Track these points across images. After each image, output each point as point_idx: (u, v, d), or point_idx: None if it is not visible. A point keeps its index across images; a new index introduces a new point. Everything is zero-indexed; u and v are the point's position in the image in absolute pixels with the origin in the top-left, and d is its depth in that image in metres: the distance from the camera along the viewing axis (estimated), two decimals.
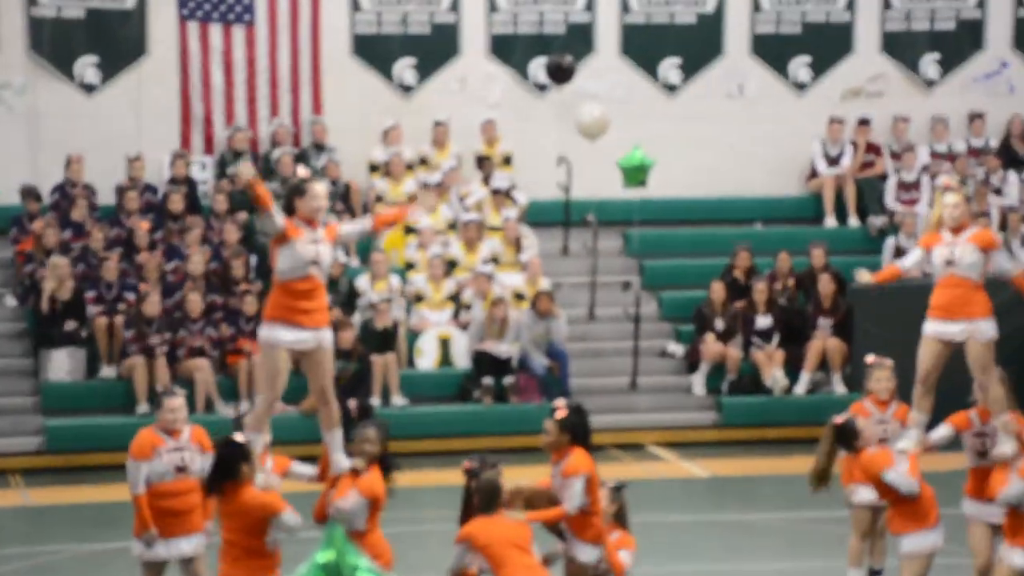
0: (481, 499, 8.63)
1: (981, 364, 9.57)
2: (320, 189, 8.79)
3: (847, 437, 9.40)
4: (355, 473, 8.72)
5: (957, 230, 9.67)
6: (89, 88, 18.36)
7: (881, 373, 10.15)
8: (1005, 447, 9.56)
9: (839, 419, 9.49)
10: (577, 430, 8.83)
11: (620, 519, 9.11)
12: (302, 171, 9.12)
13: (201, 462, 9.36)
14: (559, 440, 8.80)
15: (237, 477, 8.39)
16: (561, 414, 8.84)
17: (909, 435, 9.70)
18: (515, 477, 9.05)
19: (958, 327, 9.60)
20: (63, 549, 12.92)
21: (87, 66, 18.32)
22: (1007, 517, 9.62)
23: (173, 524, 9.57)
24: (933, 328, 9.69)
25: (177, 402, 9.49)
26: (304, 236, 8.69)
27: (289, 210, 8.80)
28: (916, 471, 9.51)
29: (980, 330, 9.58)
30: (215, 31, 18.50)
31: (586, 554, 8.81)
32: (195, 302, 16.45)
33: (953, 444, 9.98)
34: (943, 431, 9.83)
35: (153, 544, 9.63)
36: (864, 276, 10.27)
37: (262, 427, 8.82)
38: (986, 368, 9.56)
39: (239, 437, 8.57)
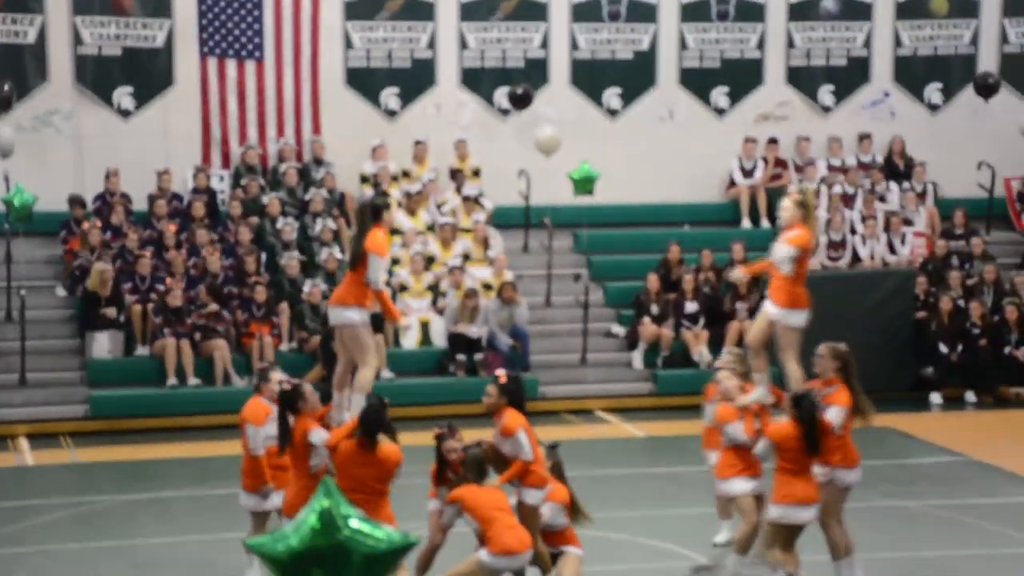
0: (470, 471, 8.61)
1: (782, 344, 9.41)
2: (395, 204, 8.98)
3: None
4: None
5: (787, 230, 9.49)
6: (125, 113, 18.22)
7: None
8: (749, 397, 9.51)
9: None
10: (513, 394, 8.78)
11: (556, 473, 9.02)
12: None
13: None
14: (498, 402, 8.75)
15: (379, 431, 8.34)
16: (502, 380, 8.79)
17: (757, 391, 9.56)
18: (477, 436, 9.04)
19: (774, 310, 9.46)
20: (103, 499, 12.83)
21: (123, 95, 18.17)
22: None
23: (277, 479, 9.42)
24: (764, 306, 9.57)
25: (280, 376, 9.32)
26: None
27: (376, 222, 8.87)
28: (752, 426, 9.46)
29: (785, 316, 9.37)
30: (230, 65, 18.39)
31: (532, 497, 8.77)
32: (205, 294, 16.33)
33: None
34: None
35: (268, 496, 9.48)
36: (737, 273, 10.15)
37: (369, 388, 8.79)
38: (784, 349, 9.39)
39: (379, 400, 8.49)
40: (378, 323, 16.33)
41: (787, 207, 9.47)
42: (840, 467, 9.34)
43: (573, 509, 9.09)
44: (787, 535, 9.14)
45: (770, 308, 9.45)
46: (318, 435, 8.60)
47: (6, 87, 17.07)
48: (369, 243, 8.76)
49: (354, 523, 5.01)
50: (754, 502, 9.69)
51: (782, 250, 9.39)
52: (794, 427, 9.00)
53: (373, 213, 8.89)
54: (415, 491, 9.66)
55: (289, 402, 8.75)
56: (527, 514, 8.77)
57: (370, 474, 8.32)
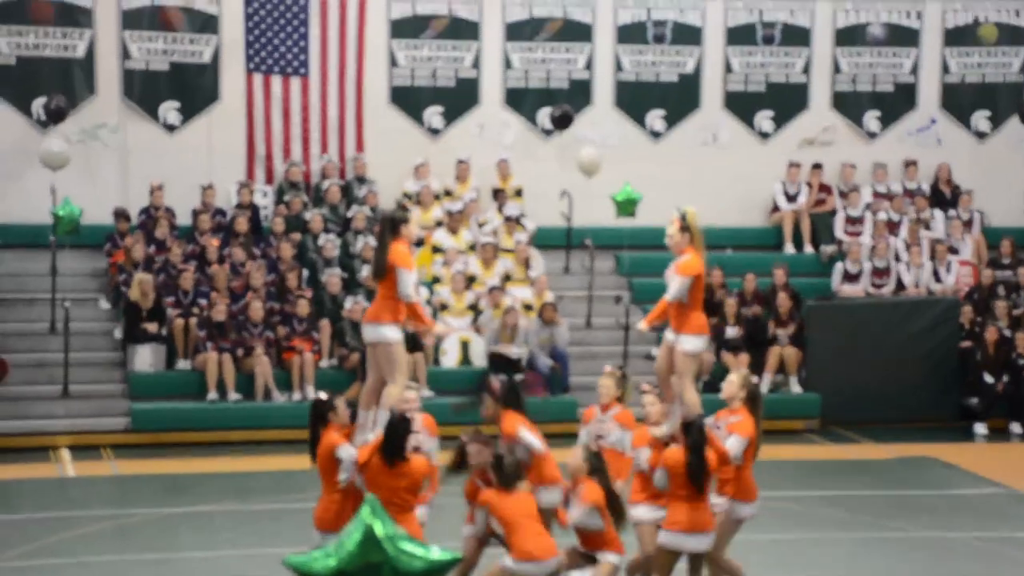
0: (503, 478, 8.64)
1: (678, 370, 9.18)
2: (415, 219, 9.05)
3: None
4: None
5: (677, 258, 9.27)
6: (171, 128, 18.39)
7: (604, 380, 9.68)
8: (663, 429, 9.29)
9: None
10: (509, 399, 8.91)
11: (596, 473, 8.95)
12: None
13: (430, 444, 9.15)
14: (496, 410, 8.90)
15: (405, 445, 8.43)
16: (495, 388, 8.97)
17: (669, 423, 9.25)
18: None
19: (672, 336, 9.25)
20: (142, 512, 12.92)
21: (169, 110, 18.33)
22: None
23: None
24: (665, 334, 9.39)
25: (412, 395, 9.26)
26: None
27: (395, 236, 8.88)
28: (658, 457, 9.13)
29: (681, 342, 9.15)
30: (276, 82, 18.53)
31: (547, 496, 8.79)
32: (257, 308, 16.45)
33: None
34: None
35: None
36: (641, 325, 9.69)
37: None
38: (681, 375, 9.17)
39: (401, 415, 8.56)
40: (415, 343, 16.42)
41: (671, 235, 9.22)
42: (736, 500, 9.21)
43: (614, 511, 8.95)
44: (669, 561, 8.92)
45: (667, 334, 9.30)
46: (346, 451, 8.65)
47: (58, 100, 17.29)
48: (394, 257, 8.76)
49: (398, 541, 5.06)
50: (654, 531, 9.30)
51: (675, 283, 9.12)
52: (685, 454, 8.85)
53: (392, 227, 8.89)
54: (449, 511, 9.70)
55: (320, 414, 8.82)
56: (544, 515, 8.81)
57: (399, 486, 8.40)
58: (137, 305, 16.33)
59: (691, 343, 9.10)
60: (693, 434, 8.79)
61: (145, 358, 16.32)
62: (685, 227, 9.17)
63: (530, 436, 8.82)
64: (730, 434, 9.11)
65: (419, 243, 18.22)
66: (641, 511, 9.27)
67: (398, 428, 8.47)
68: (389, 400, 8.79)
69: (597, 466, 8.98)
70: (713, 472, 8.94)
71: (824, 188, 19.52)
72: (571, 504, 8.90)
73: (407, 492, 8.46)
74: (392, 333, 8.81)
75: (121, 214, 17.59)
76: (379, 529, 5.05)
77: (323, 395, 9.09)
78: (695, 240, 9.19)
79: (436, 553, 5.08)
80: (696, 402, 9.09)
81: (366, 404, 8.99)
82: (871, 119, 20.01)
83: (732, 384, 9.25)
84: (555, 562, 8.69)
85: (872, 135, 20.06)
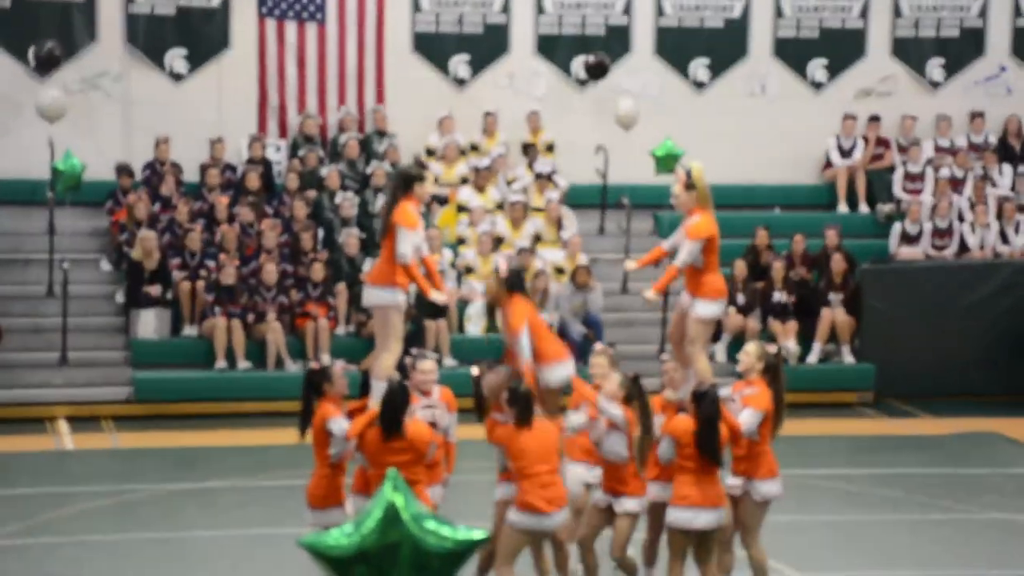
0: (518, 411, 8.61)
1: (690, 335, 9.12)
2: (430, 177, 8.99)
3: None
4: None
5: (686, 219, 9.18)
6: (177, 77, 18.34)
7: (596, 359, 9.53)
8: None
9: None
10: (516, 287, 8.96)
11: (636, 400, 9.02)
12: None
13: (448, 420, 9.07)
14: (500, 292, 8.96)
15: (403, 416, 8.44)
16: (503, 271, 8.99)
17: (683, 390, 9.18)
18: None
19: (687, 299, 9.21)
20: (145, 488, 12.95)
21: (176, 57, 18.29)
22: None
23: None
24: (680, 297, 9.35)
25: (429, 365, 9.15)
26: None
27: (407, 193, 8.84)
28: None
29: (695, 307, 9.10)
30: (290, 28, 18.45)
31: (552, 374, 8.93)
32: (270, 271, 16.41)
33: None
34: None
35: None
36: (630, 263, 9.71)
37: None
38: (692, 341, 9.11)
39: (400, 383, 8.53)
40: (437, 310, 16.35)
41: (676, 194, 9.17)
42: (754, 478, 9.11)
43: (642, 444, 8.90)
44: (681, 542, 8.84)
45: (682, 297, 9.28)
46: (337, 424, 8.62)
47: (50, 45, 17.22)
48: (398, 216, 8.70)
49: (421, 520, 5.00)
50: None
51: (685, 248, 9.09)
52: (695, 424, 8.78)
53: (404, 184, 8.81)
54: (476, 488, 9.64)
55: (314, 384, 8.79)
56: (546, 394, 8.90)
57: (400, 460, 8.36)
58: (140, 266, 16.33)
59: (706, 308, 9.06)
60: (705, 405, 8.72)
61: (149, 324, 16.32)
62: (691, 184, 9.11)
63: (526, 342, 8.82)
64: (744, 407, 9.03)
65: (443, 201, 18.16)
66: (653, 490, 9.18)
67: (396, 398, 8.43)
68: (382, 369, 8.73)
69: (634, 393, 9.00)
70: (723, 446, 8.87)
71: (882, 142, 19.33)
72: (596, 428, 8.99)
73: (413, 465, 8.41)
74: (390, 296, 8.74)
75: (124, 169, 17.57)
76: (402, 506, 4.99)
77: (315, 364, 9.10)
78: (702, 198, 9.11)
79: (463, 532, 5.02)
80: (708, 370, 9.07)
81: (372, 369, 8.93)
82: (934, 67, 19.76)
83: (748, 355, 9.20)
84: (560, 516, 8.70)
85: (935, 85, 19.82)
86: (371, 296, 8.86)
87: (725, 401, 8.95)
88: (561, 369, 9.01)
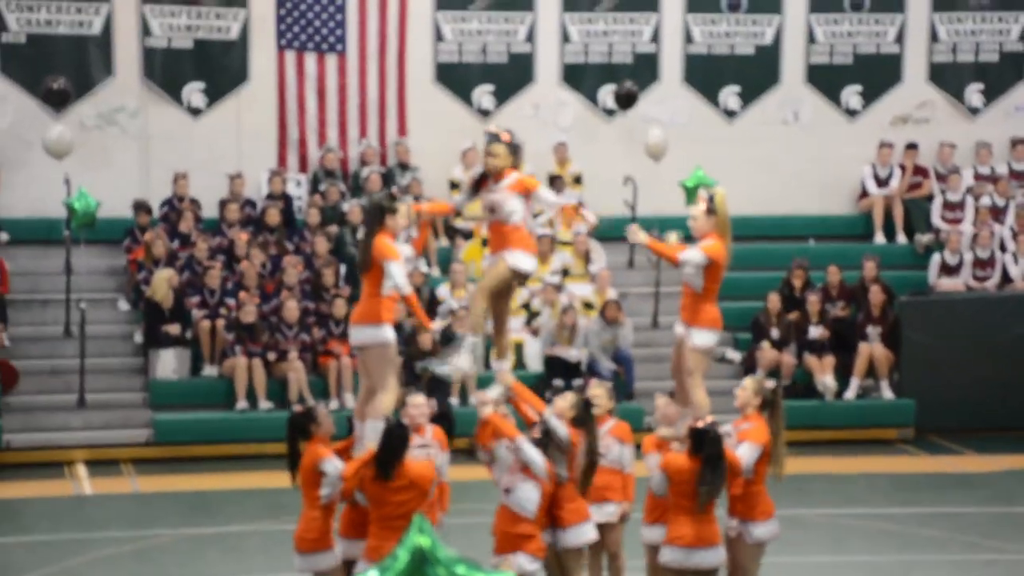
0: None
1: (688, 367, 9.11)
2: (403, 208, 9.02)
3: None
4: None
5: (700, 239, 9.21)
6: (195, 112, 18.50)
7: (595, 391, 9.60)
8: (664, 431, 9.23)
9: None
10: (517, 152, 9.02)
11: (578, 426, 8.96)
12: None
13: (441, 459, 9.09)
14: (507, 161, 8.95)
15: (403, 456, 8.43)
16: (506, 138, 9.02)
17: (679, 424, 9.17)
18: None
19: (681, 329, 9.22)
20: (165, 533, 12.99)
21: (194, 91, 18.44)
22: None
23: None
24: (676, 327, 9.35)
25: (422, 399, 9.22)
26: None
27: (380, 226, 8.91)
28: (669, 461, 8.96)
29: (691, 336, 9.10)
30: (310, 60, 18.59)
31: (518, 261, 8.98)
32: (291, 308, 16.51)
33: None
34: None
35: None
36: (639, 234, 9.37)
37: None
38: (690, 372, 9.09)
39: (398, 423, 8.56)
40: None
41: (695, 216, 9.17)
42: (747, 520, 9.05)
43: (585, 473, 8.88)
44: None
45: (677, 327, 9.28)
46: (331, 464, 8.66)
47: (60, 82, 17.39)
48: (378, 251, 8.76)
49: (450, 563, 5.04)
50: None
51: (695, 254, 9.08)
52: (691, 461, 8.72)
53: (378, 216, 8.88)
54: (473, 529, 9.63)
55: (300, 426, 8.83)
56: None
57: (404, 499, 8.41)
58: (158, 305, 16.44)
59: (701, 337, 9.08)
60: (708, 444, 8.67)
61: (168, 364, 16.44)
62: (712, 210, 9.11)
63: (520, 205, 8.90)
64: (741, 442, 9.01)
65: (468, 236, 18.24)
66: (655, 533, 9.14)
67: (395, 438, 8.43)
68: (380, 410, 8.75)
69: (583, 418, 8.93)
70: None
71: (919, 171, 19.34)
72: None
73: (415, 505, 8.42)
74: (382, 334, 8.78)
75: (141, 206, 17.70)
76: (430, 550, 5.04)
77: (299, 407, 9.11)
78: (721, 225, 9.13)
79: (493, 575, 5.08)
80: (706, 403, 9.03)
81: (360, 414, 8.95)
82: (973, 93, 19.77)
83: (745, 390, 9.17)
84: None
85: (974, 111, 19.82)
86: (360, 336, 8.87)
87: (723, 437, 8.89)
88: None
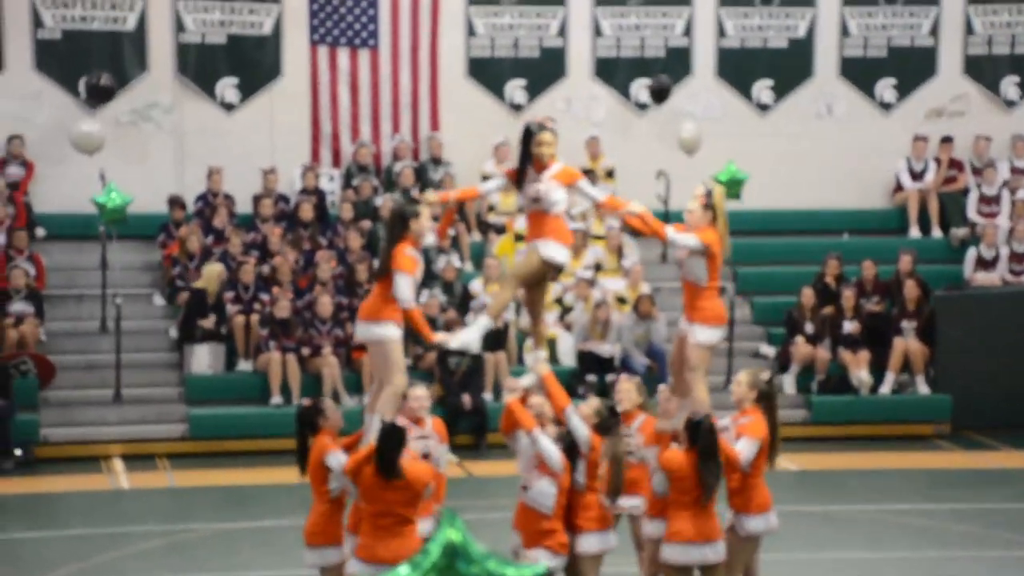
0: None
1: (689, 364, 8.99)
2: (425, 211, 8.91)
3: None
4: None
5: (698, 231, 9.07)
6: (229, 107, 18.55)
7: (623, 385, 9.40)
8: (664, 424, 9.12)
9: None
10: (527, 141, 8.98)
11: (603, 433, 8.83)
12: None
13: (439, 451, 9.08)
14: (556, 148, 8.95)
15: (399, 456, 8.37)
16: (552, 127, 9.04)
17: (675, 417, 9.09)
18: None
19: (684, 325, 9.10)
20: (201, 527, 13.03)
21: (227, 87, 18.50)
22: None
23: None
24: (680, 324, 9.24)
25: (422, 391, 9.19)
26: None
27: (403, 232, 8.88)
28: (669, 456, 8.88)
29: (693, 332, 8.98)
30: (343, 55, 18.62)
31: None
32: (325, 303, 16.55)
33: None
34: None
35: None
36: (636, 206, 9.14)
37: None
38: (692, 368, 8.97)
39: (393, 424, 8.52)
40: (496, 342, 16.41)
41: (692, 210, 9.08)
42: (742, 513, 8.97)
43: (613, 482, 8.73)
44: None
45: (680, 323, 9.19)
46: (335, 459, 8.67)
47: (104, 77, 17.49)
48: (395, 262, 8.76)
49: (483, 559, 5.04)
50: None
51: (691, 237, 8.98)
52: (689, 456, 8.68)
53: (400, 222, 8.86)
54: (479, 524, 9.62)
55: (308, 420, 8.85)
56: None
57: (396, 499, 8.39)
58: (203, 298, 16.39)
59: (704, 334, 8.98)
60: (702, 437, 8.64)
61: (203, 359, 16.48)
62: (709, 205, 9.05)
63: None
64: (740, 436, 8.95)
65: (500, 231, 18.24)
66: (656, 527, 9.05)
67: (390, 439, 8.38)
68: (384, 405, 8.76)
69: (607, 425, 8.78)
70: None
71: (955, 164, 19.24)
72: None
73: (408, 504, 8.42)
74: (388, 331, 8.78)
75: (176, 201, 17.78)
76: (461, 544, 5.04)
77: (307, 401, 9.12)
78: (718, 222, 9.08)
79: (527, 570, 5.07)
80: (706, 401, 8.95)
81: (372, 408, 8.94)
82: (1009, 86, 19.65)
83: (740, 385, 9.09)
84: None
85: (1010, 104, 19.70)
86: (362, 332, 8.90)
87: (721, 430, 8.85)
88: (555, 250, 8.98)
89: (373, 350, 8.95)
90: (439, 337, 9.09)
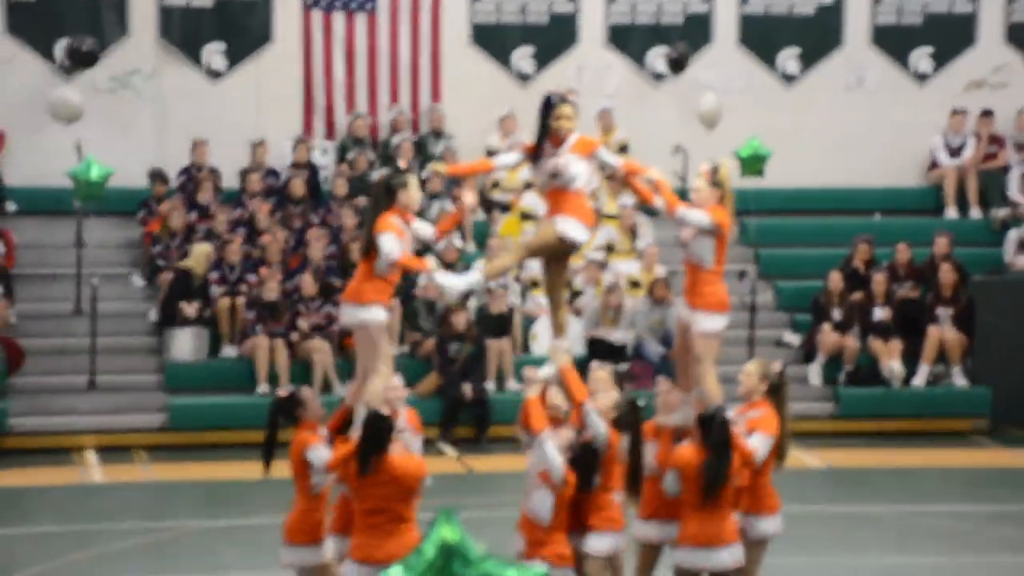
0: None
1: (696, 354, 8.86)
2: (414, 180, 8.83)
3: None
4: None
5: (709, 210, 8.90)
6: (215, 74, 18.45)
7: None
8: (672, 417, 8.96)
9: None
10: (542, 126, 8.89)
11: (621, 428, 8.65)
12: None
13: (416, 445, 8.96)
14: (576, 122, 8.80)
15: (385, 449, 8.29)
16: (572, 99, 8.94)
17: (681, 411, 8.95)
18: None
19: (685, 312, 8.97)
20: (180, 525, 12.97)
21: (214, 53, 18.43)
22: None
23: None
24: (680, 311, 9.09)
25: (397, 381, 9.06)
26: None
27: (390, 204, 8.77)
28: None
29: (696, 320, 8.84)
30: (338, 19, 18.53)
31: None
32: (308, 283, 16.40)
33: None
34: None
35: None
36: (653, 172, 9.02)
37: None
38: (699, 359, 8.83)
39: (378, 413, 8.41)
40: (501, 328, 16.26)
41: (698, 188, 8.93)
42: (751, 514, 8.84)
43: (632, 480, 8.58)
44: None
45: (682, 310, 9.07)
46: (316, 453, 8.62)
47: (88, 42, 17.37)
48: (376, 227, 8.69)
49: (480, 560, 4.92)
50: (656, 554, 9.00)
51: (698, 214, 8.79)
52: (700, 452, 8.53)
53: (387, 193, 8.79)
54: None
55: (285, 411, 8.80)
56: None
57: (387, 494, 8.29)
58: (189, 279, 16.26)
59: (708, 322, 8.87)
60: (714, 430, 8.49)
61: (184, 344, 16.33)
62: (716, 183, 8.92)
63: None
64: (752, 431, 8.82)
65: (505, 208, 18.10)
66: (647, 529, 8.92)
67: (375, 428, 8.31)
68: (370, 394, 8.70)
69: (629, 420, 8.62)
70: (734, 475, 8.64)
71: (995, 140, 19.19)
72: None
73: (400, 501, 8.30)
74: (372, 314, 8.72)
75: (157, 175, 17.68)
76: (458, 544, 4.91)
77: (282, 391, 9.03)
78: (725, 201, 8.96)
79: (525, 571, 4.94)
80: (716, 391, 8.83)
81: (355, 398, 8.88)
82: None
83: (750, 376, 8.98)
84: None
85: None
86: (350, 315, 8.85)
87: (732, 422, 8.71)
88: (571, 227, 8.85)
89: (358, 335, 8.92)
90: (430, 264, 9.04)
